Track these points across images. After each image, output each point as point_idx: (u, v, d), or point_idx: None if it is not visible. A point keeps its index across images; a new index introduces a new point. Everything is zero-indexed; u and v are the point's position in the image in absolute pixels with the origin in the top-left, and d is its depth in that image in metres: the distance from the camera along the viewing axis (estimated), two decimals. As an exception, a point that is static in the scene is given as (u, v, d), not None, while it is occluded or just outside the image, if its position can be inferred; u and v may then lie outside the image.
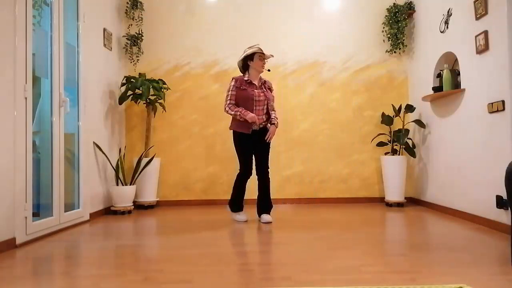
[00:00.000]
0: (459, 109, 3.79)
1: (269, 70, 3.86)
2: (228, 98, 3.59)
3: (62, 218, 3.41)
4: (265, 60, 3.63)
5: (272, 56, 3.72)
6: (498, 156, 3.17)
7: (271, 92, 3.74)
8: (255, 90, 3.57)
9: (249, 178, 3.68)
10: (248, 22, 5.07)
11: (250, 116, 3.47)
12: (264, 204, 3.67)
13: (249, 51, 3.57)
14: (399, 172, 4.57)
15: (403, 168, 4.59)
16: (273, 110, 3.71)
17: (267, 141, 3.61)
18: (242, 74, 3.70)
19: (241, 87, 3.55)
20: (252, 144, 3.61)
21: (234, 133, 3.63)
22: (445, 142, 4.07)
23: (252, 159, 3.65)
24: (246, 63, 3.63)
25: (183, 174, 4.98)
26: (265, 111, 3.62)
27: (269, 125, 3.65)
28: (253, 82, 3.60)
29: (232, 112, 3.54)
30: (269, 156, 3.72)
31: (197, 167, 4.98)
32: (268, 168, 3.67)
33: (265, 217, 3.63)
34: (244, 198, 3.79)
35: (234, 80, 3.61)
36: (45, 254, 2.58)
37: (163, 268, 2.20)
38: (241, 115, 3.50)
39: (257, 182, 3.68)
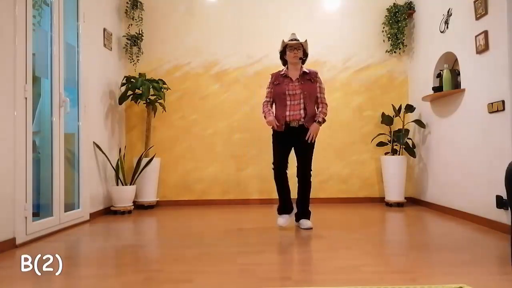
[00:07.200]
0: (459, 109, 3.79)
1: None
2: (265, 96, 3.46)
3: (62, 218, 3.41)
4: (296, 50, 3.28)
5: (297, 40, 3.32)
6: (498, 156, 3.17)
7: (316, 83, 3.35)
8: (290, 84, 3.31)
9: (283, 172, 3.36)
10: (248, 22, 5.06)
11: (268, 119, 3.32)
12: (301, 210, 3.38)
13: (280, 48, 3.40)
14: (399, 172, 4.57)
15: (403, 168, 4.59)
16: (322, 103, 3.37)
17: (308, 141, 3.29)
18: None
19: (275, 82, 3.39)
20: (290, 142, 3.35)
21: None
22: (445, 142, 4.06)
23: (285, 154, 3.37)
24: (284, 58, 3.44)
25: (183, 174, 4.98)
26: (302, 105, 3.27)
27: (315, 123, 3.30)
28: (288, 76, 3.34)
29: (262, 112, 3.41)
30: (311, 156, 3.39)
31: (197, 167, 4.98)
32: (309, 170, 3.37)
33: (304, 222, 3.32)
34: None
35: (270, 76, 3.47)
36: (45, 254, 2.58)
37: (163, 268, 2.20)
38: (265, 116, 3.37)
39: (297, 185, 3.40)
